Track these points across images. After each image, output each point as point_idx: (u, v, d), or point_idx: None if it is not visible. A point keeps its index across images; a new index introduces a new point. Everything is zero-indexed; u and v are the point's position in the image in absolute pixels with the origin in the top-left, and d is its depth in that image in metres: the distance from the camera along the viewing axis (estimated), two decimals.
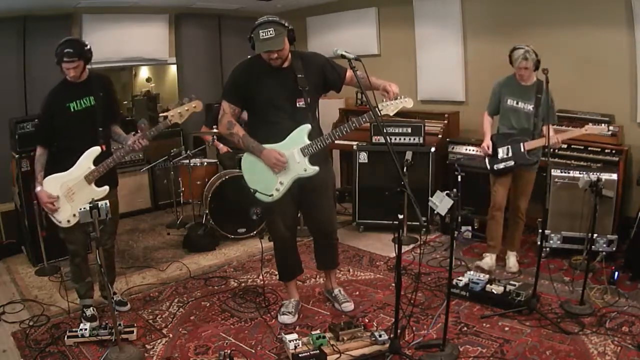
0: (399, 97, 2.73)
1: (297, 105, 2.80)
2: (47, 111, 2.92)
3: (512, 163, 3.52)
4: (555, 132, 3.42)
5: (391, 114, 2.77)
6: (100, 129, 2.97)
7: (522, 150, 3.47)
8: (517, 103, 3.51)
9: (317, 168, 2.81)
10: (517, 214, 3.69)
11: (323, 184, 2.94)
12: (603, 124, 3.45)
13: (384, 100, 2.74)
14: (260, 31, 2.58)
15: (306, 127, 2.79)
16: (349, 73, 2.86)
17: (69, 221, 2.92)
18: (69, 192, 2.90)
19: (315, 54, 2.92)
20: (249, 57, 2.86)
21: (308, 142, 2.79)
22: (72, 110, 2.91)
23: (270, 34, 2.58)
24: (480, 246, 4.32)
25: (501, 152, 3.55)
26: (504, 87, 3.58)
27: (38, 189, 2.89)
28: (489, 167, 3.64)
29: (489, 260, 3.72)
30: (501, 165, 3.55)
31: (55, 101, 2.90)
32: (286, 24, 2.66)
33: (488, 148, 3.58)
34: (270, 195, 2.84)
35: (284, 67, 2.76)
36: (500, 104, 3.60)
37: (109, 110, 3.04)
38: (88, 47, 2.89)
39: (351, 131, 2.80)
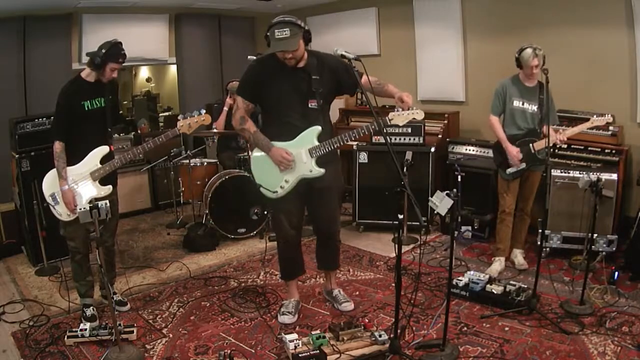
0: (411, 109, 2.78)
1: (309, 106, 2.82)
2: (64, 106, 2.94)
3: (524, 166, 3.51)
4: (554, 132, 3.42)
5: (400, 124, 2.82)
6: (109, 129, 3.06)
7: (533, 151, 3.46)
8: (524, 104, 3.52)
9: (322, 170, 2.83)
10: (524, 213, 3.72)
11: (330, 185, 2.95)
12: (607, 114, 3.39)
13: (397, 109, 2.78)
14: (275, 30, 2.60)
15: (316, 129, 2.82)
16: (364, 78, 2.86)
17: (69, 215, 2.95)
18: (73, 184, 2.95)
19: (333, 57, 2.90)
20: (262, 54, 2.91)
21: (317, 143, 2.81)
22: (86, 109, 2.96)
23: (285, 34, 2.59)
24: (480, 246, 4.33)
25: (519, 157, 3.51)
26: (509, 87, 3.56)
27: (65, 187, 2.92)
28: (500, 172, 3.61)
29: (497, 265, 3.70)
30: (513, 169, 3.53)
31: (72, 98, 2.94)
32: (302, 25, 2.67)
33: (517, 154, 3.48)
34: (274, 192, 2.87)
35: (299, 67, 2.78)
36: (505, 105, 3.57)
37: (114, 113, 3.12)
38: None
39: (360, 136, 2.83)
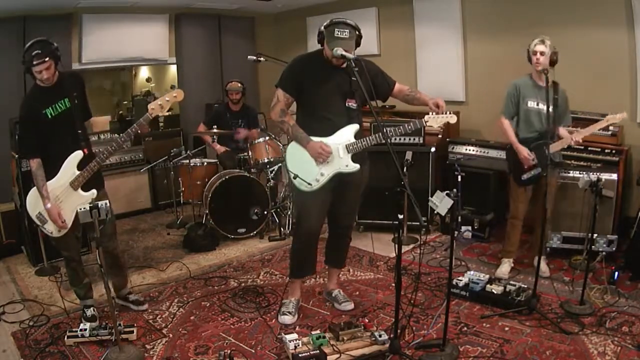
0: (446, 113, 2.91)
1: (347, 105, 2.90)
2: (26, 120, 2.82)
3: (539, 170, 3.40)
4: (569, 133, 3.36)
5: (435, 126, 2.95)
6: (80, 131, 2.88)
7: (547, 154, 3.32)
8: (538, 104, 3.42)
9: (357, 166, 2.90)
10: (545, 220, 3.39)
11: (359, 181, 3.03)
12: (623, 112, 3.22)
13: (432, 112, 2.90)
14: (336, 29, 2.72)
15: (355, 126, 2.92)
16: (398, 86, 3.06)
17: (59, 231, 2.86)
18: (56, 200, 2.81)
19: (371, 62, 2.99)
20: (311, 51, 3.00)
21: (354, 140, 2.89)
22: (50, 116, 2.79)
23: (345, 35, 2.72)
24: (480, 246, 4.33)
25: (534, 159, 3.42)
26: (522, 87, 3.46)
27: (48, 205, 2.77)
28: (514, 179, 3.52)
29: (507, 267, 3.67)
30: (528, 175, 3.44)
31: (32, 109, 2.78)
32: (359, 30, 2.81)
33: (529, 156, 3.39)
34: (309, 184, 2.89)
35: (341, 68, 2.85)
36: (519, 106, 3.47)
37: (84, 110, 2.97)
38: (56, 45, 2.76)
39: (398, 136, 2.88)
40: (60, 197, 2.84)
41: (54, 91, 2.82)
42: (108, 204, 2.55)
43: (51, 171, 2.82)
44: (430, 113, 2.90)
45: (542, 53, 3.33)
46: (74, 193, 2.85)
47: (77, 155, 2.85)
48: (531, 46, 3.37)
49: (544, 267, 3.64)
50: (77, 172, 2.83)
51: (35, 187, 2.83)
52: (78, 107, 2.89)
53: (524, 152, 3.42)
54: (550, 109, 3.35)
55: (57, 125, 2.82)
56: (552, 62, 3.38)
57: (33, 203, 2.87)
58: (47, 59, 2.68)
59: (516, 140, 3.47)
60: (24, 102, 2.83)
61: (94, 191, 2.90)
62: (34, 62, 2.66)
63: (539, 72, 3.38)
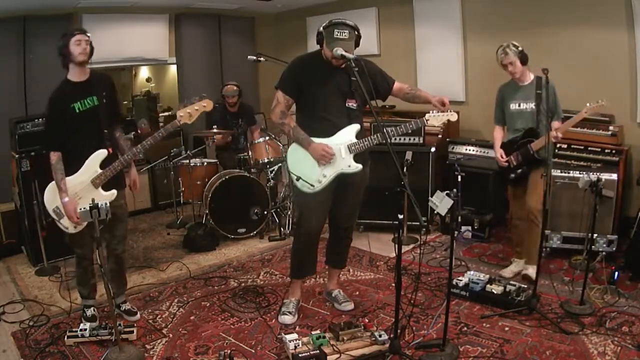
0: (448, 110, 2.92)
1: (347, 105, 2.90)
2: (53, 113, 2.81)
3: (525, 168, 3.45)
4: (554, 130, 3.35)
5: (436, 125, 2.97)
6: (106, 130, 2.89)
7: (532, 152, 3.38)
8: (520, 105, 3.46)
9: (360, 166, 2.89)
10: (530, 216, 3.43)
11: (360, 181, 3.02)
12: (601, 100, 3.20)
13: (433, 111, 2.90)
14: (335, 30, 2.72)
15: (356, 127, 2.91)
16: (397, 85, 3.06)
17: (75, 227, 2.85)
18: (75, 197, 2.80)
19: (370, 62, 2.99)
20: (309, 52, 3.01)
21: (356, 140, 2.88)
22: (77, 111, 2.80)
23: (345, 36, 2.72)
24: (480, 246, 4.33)
25: (512, 160, 3.49)
26: (504, 92, 3.54)
27: (65, 199, 2.75)
28: (503, 178, 3.60)
29: (514, 267, 3.67)
30: (515, 174, 3.49)
31: (60, 102, 2.79)
32: (358, 31, 2.81)
33: (502, 157, 3.49)
34: (311, 186, 2.88)
35: (341, 68, 2.85)
36: (504, 110, 3.54)
37: (112, 111, 2.98)
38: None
39: (399, 136, 2.86)
40: (79, 193, 2.82)
41: (83, 87, 2.83)
42: (108, 205, 2.54)
43: (72, 166, 2.81)
44: (432, 112, 2.90)
45: (511, 63, 3.36)
46: (94, 191, 2.83)
47: (101, 153, 2.84)
48: (498, 60, 3.43)
49: (531, 272, 3.45)
50: (100, 171, 2.83)
51: (53, 182, 2.82)
52: (106, 106, 2.90)
53: (497, 153, 3.54)
54: (533, 106, 3.38)
55: (83, 121, 2.82)
56: (524, 62, 3.38)
57: (51, 197, 2.86)
58: (86, 34, 2.76)
59: (497, 143, 3.58)
60: (53, 95, 2.82)
61: (114, 191, 2.89)
62: (75, 33, 2.72)
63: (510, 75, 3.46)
